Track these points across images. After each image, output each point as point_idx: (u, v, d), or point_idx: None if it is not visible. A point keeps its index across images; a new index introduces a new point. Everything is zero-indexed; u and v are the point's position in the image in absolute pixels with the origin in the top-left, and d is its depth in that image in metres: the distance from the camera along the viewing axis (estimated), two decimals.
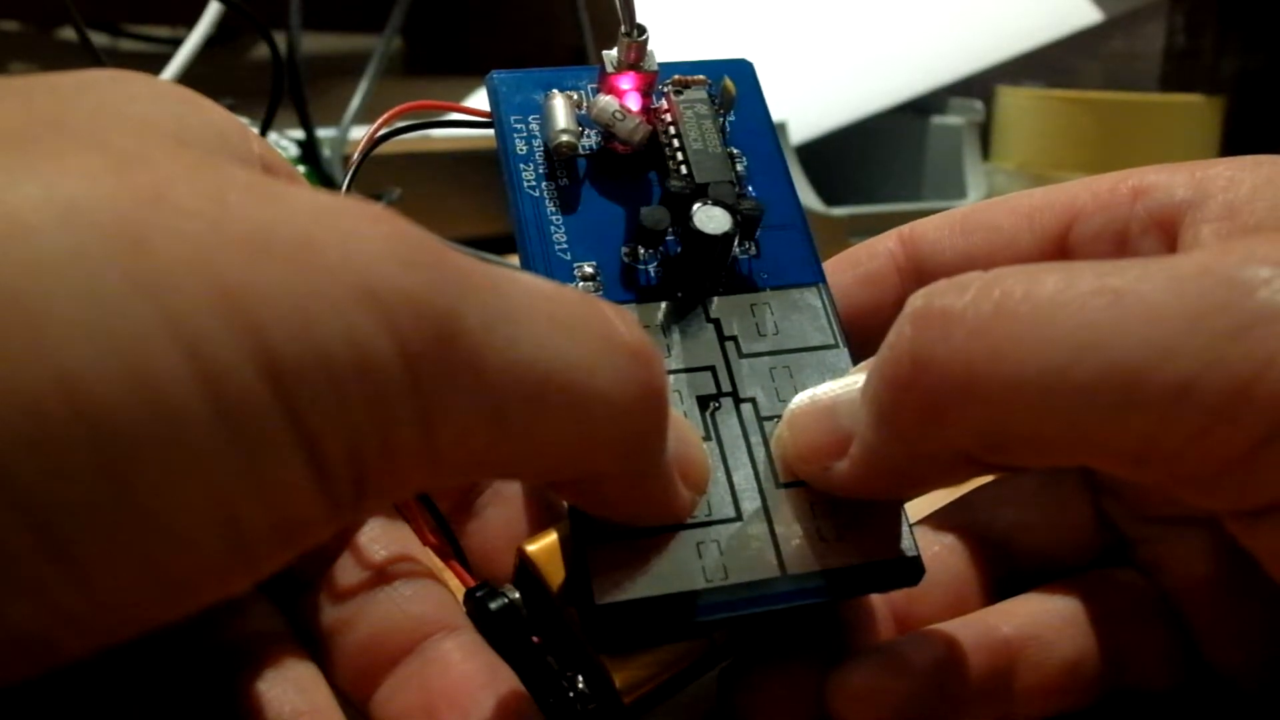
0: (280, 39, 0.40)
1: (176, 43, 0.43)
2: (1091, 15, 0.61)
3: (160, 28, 0.68)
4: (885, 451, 0.17)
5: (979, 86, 0.59)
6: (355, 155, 0.21)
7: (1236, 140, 0.60)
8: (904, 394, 0.16)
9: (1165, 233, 0.19)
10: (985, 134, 0.60)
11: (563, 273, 0.20)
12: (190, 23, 0.43)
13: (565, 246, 0.20)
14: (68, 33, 0.64)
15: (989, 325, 0.15)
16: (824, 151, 0.54)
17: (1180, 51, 0.66)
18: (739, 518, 0.18)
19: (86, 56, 0.39)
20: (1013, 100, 0.62)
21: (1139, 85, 0.67)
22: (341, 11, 0.69)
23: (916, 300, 0.16)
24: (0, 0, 0.62)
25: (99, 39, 0.58)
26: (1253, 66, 0.64)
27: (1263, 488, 0.14)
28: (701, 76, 0.22)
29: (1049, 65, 0.65)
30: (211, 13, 0.43)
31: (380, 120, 0.21)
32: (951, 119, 0.58)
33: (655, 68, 0.21)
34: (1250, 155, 0.19)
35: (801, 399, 0.18)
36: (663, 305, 0.20)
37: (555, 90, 0.21)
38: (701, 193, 0.20)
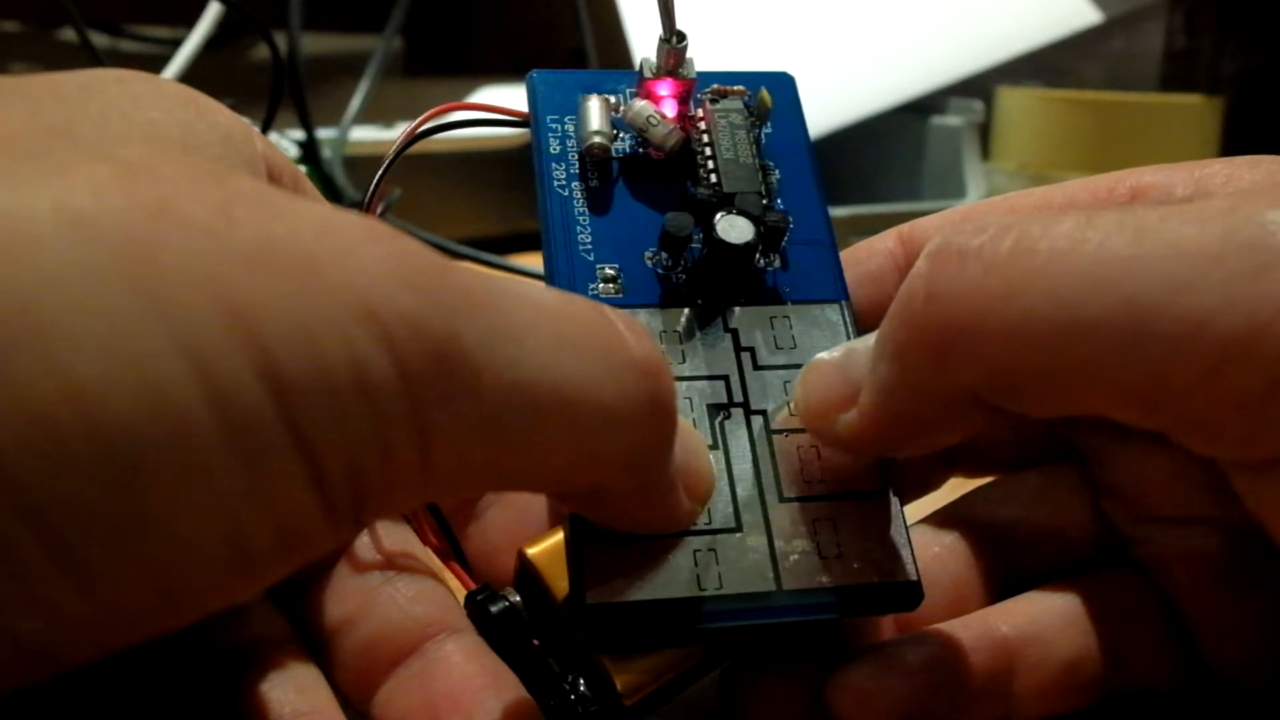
0: (280, 39, 0.40)
1: (177, 43, 0.44)
2: (1091, 15, 0.61)
3: (160, 28, 0.68)
4: (894, 394, 0.17)
5: (979, 86, 0.59)
6: (390, 152, 0.21)
7: (1236, 140, 0.60)
8: (917, 329, 0.16)
9: None
10: (985, 134, 0.60)
11: (585, 273, 0.20)
12: (190, 23, 0.44)
13: (590, 247, 0.20)
14: (68, 33, 0.64)
15: (1005, 262, 0.15)
16: (824, 151, 0.53)
17: (1180, 51, 0.66)
18: (739, 528, 0.18)
19: (86, 57, 0.39)
20: (1013, 100, 0.62)
21: (1139, 85, 0.67)
22: (341, 11, 0.69)
23: (934, 242, 0.16)
24: (0, 0, 0.62)
25: (99, 39, 0.58)
26: (1252, 66, 0.64)
27: (1272, 436, 0.14)
28: (740, 87, 0.22)
29: (1049, 65, 0.65)
30: (211, 13, 0.43)
31: (420, 119, 0.21)
32: (951, 119, 0.58)
33: (693, 75, 0.21)
34: (1247, 155, 0.19)
35: (818, 356, 0.18)
36: (684, 312, 0.20)
37: (593, 92, 0.21)
38: (728, 201, 0.20)
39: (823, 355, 0.18)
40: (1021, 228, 0.15)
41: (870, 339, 0.17)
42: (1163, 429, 0.15)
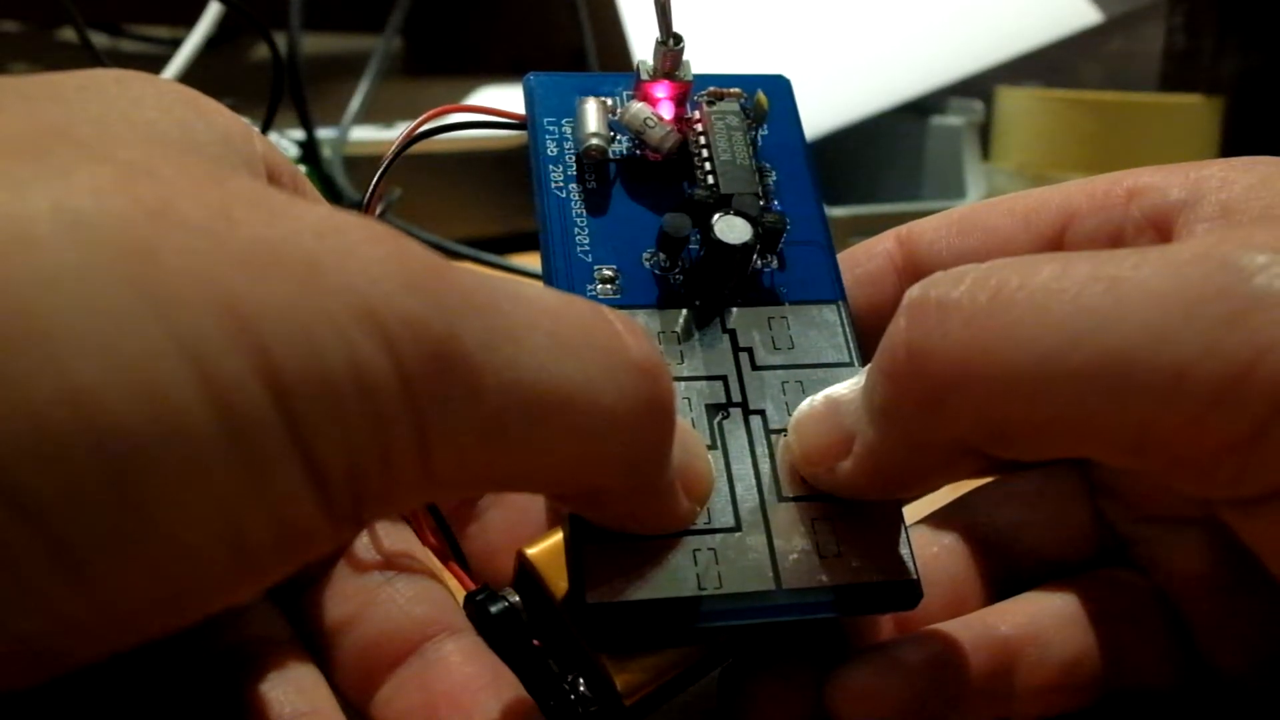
0: (280, 39, 0.40)
1: (176, 43, 0.44)
2: (1091, 15, 0.61)
3: (160, 28, 0.68)
4: (887, 446, 0.17)
5: (979, 86, 0.59)
6: (389, 153, 0.21)
7: (1236, 140, 0.60)
8: (902, 385, 0.16)
9: (1160, 233, 0.19)
10: (985, 134, 0.60)
11: (582, 274, 0.20)
12: (190, 23, 0.44)
13: (587, 249, 0.20)
14: (68, 33, 0.64)
15: (985, 313, 0.15)
16: (824, 152, 0.54)
17: (1180, 51, 0.66)
18: (738, 528, 0.18)
19: (86, 57, 0.39)
20: (1013, 100, 0.62)
21: (1139, 85, 0.67)
22: (341, 11, 0.69)
23: (913, 292, 0.16)
24: (1, 1, 0.62)
25: (99, 39, 0.58)
26: (1252, 66, 0.64)
27: (1259, 476, 0.14)
28: (737, 89, 0.22)
29: (1049, 65, 0.65)
30: (211, 13, 0.43)
31: (419, 120, 0.21)
32: (951, 119, 0.58)
33: (690, 77, 0.21)
34: (1244, 156, 0.19)
35: (806, 403, 0.18)
36: (682, 312, 0.20)
37: (590, 95, 0.21)
38: (725, 203, 0.20)
39: (810, 402, 0.18)
40: (999, 277, 0.15)
41: (860, 384, 0.17)
42: (1153, 472, 0.15)
